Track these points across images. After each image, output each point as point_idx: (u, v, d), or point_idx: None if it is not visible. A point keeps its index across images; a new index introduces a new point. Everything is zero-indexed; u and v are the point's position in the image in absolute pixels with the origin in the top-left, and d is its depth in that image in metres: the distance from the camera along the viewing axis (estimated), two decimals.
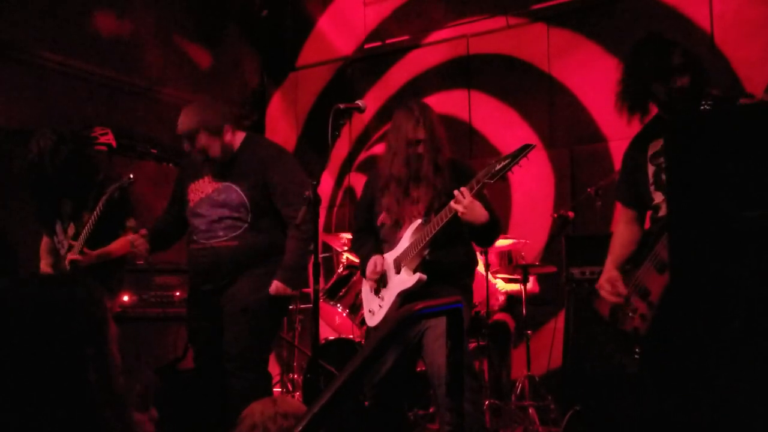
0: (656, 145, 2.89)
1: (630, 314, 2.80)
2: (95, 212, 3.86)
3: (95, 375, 1.35)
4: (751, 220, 1.51)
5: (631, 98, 2.89)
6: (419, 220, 3.33)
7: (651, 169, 2.89)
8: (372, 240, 3.55)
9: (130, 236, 3.79)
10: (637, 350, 2.80)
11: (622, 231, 3.05)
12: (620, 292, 2.83)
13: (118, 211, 3.99)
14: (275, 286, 3.62)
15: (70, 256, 3.89)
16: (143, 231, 3.80)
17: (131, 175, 3.98)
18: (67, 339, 1.34)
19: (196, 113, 3.74)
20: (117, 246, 4.02)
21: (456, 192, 3.09)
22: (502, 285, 5.39)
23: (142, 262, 3.84)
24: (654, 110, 2.93)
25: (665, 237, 2.69)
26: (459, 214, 3.09)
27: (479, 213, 3.13)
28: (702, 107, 2.76)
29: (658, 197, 2.86)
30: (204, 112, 3.76)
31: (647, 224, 3.01)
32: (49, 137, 3.87)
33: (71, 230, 4.03)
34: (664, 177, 2.83)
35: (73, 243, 3.94)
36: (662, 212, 2.84)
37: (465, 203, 3.06)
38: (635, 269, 2.84)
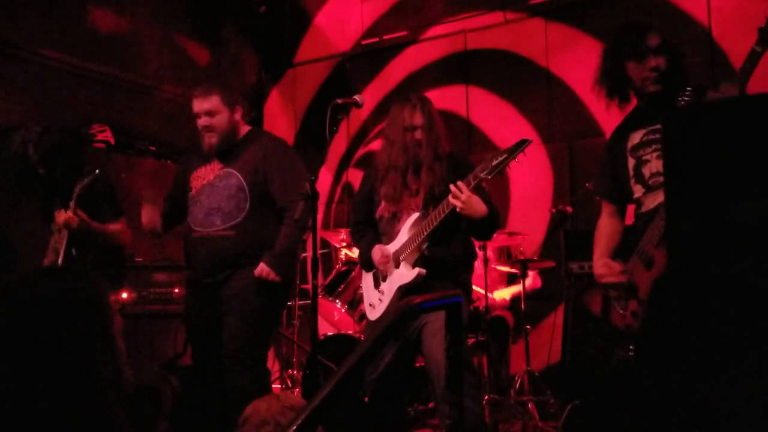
0: (635, 137, 2.87)
1: (621, 311, 2.80)
2: (70, 209, 3.86)
3: (105, 368, 1.36)
4: (755, 212, 1.51)
5: (608, 80, 2.87)
6: (417, 214, 3.32)
7: (631, 162, 2.87)
8: (371, 233, 3.55)
9: (145, 207, 3.79)
10: (631, 348, 2.78)
11: (605, 224, 3.04)
12: (619, 269, 2.81)
13: (98, 207, 3.99)
14: (260, 268, 3.62)
15: (62, 217, 3.87)
16: (161, 203, 3.85)
17: (97, 170, 3.97)
18: (74, 332, 1.34)
19: (217, 82, 3.94)
20: (107, 228, 4.01)
21: (452, 187, 3.08)
22: (499, 295, 5.39)
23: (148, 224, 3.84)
24: (634, 101, 2.91)
25: (649, 232, 2.70)
26: (458, 209, 3.08)
27: (478, 207, 3.12)
28: (680, 99, 2.73)
29: (639, 191, 2.83)
30: (224, 84, 3.95)
31: (631, 218, 3.00)
32: (34, 129, 3.88)
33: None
34: (644, 170, 2.82)
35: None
36: (645, 207, 2.82)
37: (463, 198, 3.05)
38: (623, 263, 2.83)
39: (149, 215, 3.83)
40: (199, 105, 3.76)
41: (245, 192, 3.71)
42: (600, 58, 2.93)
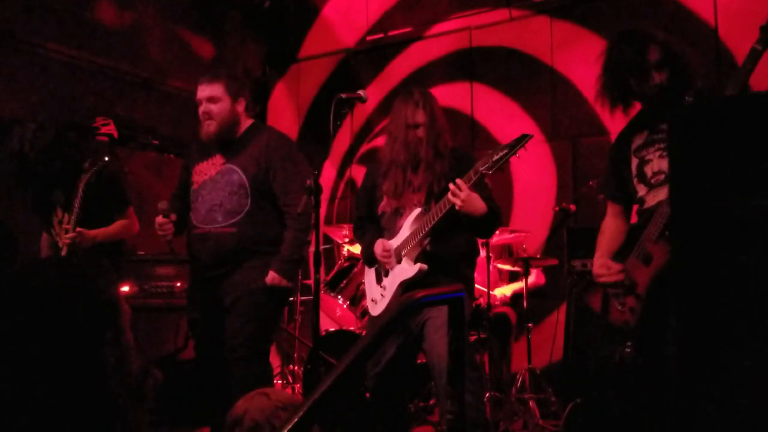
0: (639, 139, 2.89)
1: (620, 308, 2.81)
2: (77, 197, 3.87)
3: (113, 359, 1.36)
4: (762, 208, 1.50)
5: (610, 94, 2.87)
6: (419, 209, 3.32)
7: (634, 162, 2.89)
8: (374, 228, 3.54)
9: (159, 219, 3.75)
10: (629, 345, 2.79)
11: (609, 225, 3.06)
12: (617, 269, 2.82)
13: (105, 196, 3.99)
14: (271, 276, 3.63)
15: (65, 239, 3.89)
16: (173, 217, 3.78)
17: (106, 158, 3.98)
18: (83, 322, 1.34)
19: (225, 70, 3.96)
20: (112, 229, 4.02)
21: (451, 185, 3.07)
22: (501, 292, 5.36)
23: (167, 238, 3.78)
24: (638, 105, 2.92)
25: (648, 229, 2.72)
26: (457, 207, 3.07)
27: (477, 205, 3.11)
28: (684, 100, 2.73)
29: (642, 189, 2.85)
30: (232, 73, 3.99)
31: (634, 218, 3.00)
32: (29, 126, 3.89)
33: (65, 220, 4.02)
34: (646, 169, 2.85)
35: (68, 228, 3.94)
36: (646, 205, 2.83)
37: (462, 196, 3.03)
38: (623, 261, 2.84)
39: (163, 226, 3.78)
40: (201, 91, 3.75)
41: (246, 188, 3.69)
42: (600, 70, 2.91)
